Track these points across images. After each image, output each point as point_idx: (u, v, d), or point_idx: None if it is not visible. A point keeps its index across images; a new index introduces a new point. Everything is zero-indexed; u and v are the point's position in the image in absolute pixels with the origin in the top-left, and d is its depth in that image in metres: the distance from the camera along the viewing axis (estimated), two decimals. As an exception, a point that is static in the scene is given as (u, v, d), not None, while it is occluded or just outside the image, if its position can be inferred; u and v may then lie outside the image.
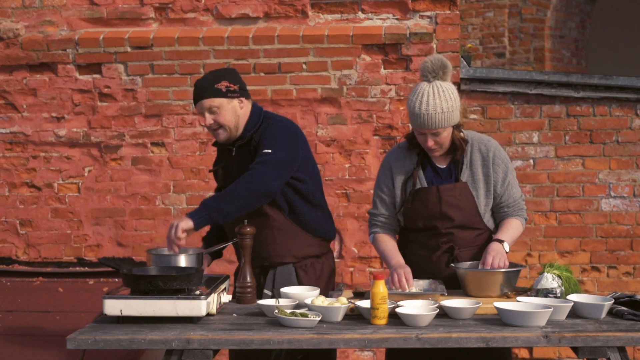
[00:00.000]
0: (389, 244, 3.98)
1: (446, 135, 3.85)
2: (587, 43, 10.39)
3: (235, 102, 4.01)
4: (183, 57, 5.91)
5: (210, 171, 4.23)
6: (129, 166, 5.99)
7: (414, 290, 3.72)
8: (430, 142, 3.83)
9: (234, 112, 3.99)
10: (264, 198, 3.86)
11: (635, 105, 5.98)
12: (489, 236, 4.03)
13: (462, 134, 3.92)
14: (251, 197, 3.80)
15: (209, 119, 3.96)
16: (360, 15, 5.93)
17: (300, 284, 3.99)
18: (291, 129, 4.04)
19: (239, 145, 4.03)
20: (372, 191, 5.55)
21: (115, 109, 5.97)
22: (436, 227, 3.92)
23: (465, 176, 3.93)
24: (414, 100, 3.79)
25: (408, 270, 3.77)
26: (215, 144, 4.17)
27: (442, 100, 3.77)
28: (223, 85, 3.99)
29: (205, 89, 3.98)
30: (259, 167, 3.84)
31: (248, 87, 5.84)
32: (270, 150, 3.88)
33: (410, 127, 4.05)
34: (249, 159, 3.97)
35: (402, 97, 5.82)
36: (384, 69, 5.83)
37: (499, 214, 4.00)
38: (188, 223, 3.72)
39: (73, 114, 6.00)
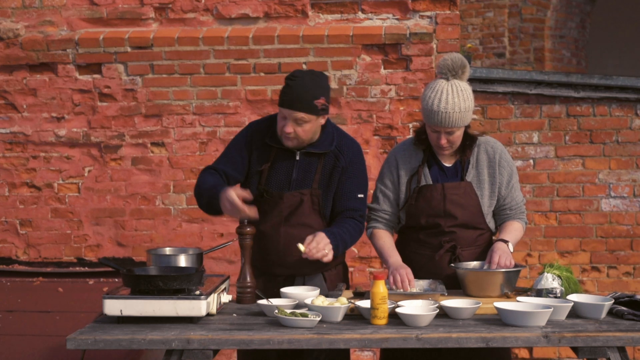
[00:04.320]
0: (387, 240, 3.98)
1: (459, 135, 3.86)
2: (587, 43, 10.40)
3: (321, 119, 3.86)
4: (183, 57, 5.91)
5: (259, 172, 3.94)
6: (129, 166, 5.99)
7: (414, 290, 3.73)
8: (443, 141, 3.83)
9: (316, 128, 3.86)
10: None
11: (635, 105, 5.98)
12: (490, 237, 4.04)
13: (474, 133, 3.95)
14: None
15: (291, 128, 3.78)
16: (360, 15, 5.93)
17: (327, 287, 3.97)
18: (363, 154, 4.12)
19: (305, 152, 3.90)
20: (372, 190, 5.55)
21: (115, 109, 5.97)
22: (439, 225, 3.92)
23: (470, 176, 3.94)
24: (432, 97, 3.79)
25: (409, 270, 3.77)
26: (246, 134, 3.96)
27: (461, 99, 3.77)
28: (320, 102, 3.79)
29: (303, 100, 3.76)
30: (362, 220, 3.96)
31: (248, 87, 5.90)
32: (362, 195, 3.97)
33: (419, 125, 4.06)
34: (313, 170, 3.89)
35: (402, 97, 5.82)
36: (384, 69, 5.83)
37: (501, 216, 4.01)
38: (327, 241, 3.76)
39: (73, 114, 6.00)
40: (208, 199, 3.81)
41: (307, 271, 3.94)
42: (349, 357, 4.03)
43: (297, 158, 3.90)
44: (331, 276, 4.03)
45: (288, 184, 3.91)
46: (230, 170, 3.92)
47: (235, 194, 3.66)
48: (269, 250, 3.91)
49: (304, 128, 3.81)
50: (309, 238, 3.73)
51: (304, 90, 3.77)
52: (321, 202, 3.93)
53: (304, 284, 3.93)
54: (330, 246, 3.74)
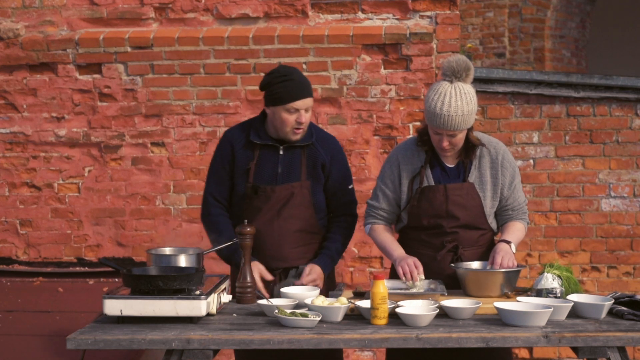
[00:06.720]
0: (387, 235, 4.01)
1: (461, 137, 3.85)
2: (587, 43, 10.40)
3: None
4: (183, 57, 5.91)
5: (246, 170, 4.08)
6: (129, 166, 5.99)
7: (422, 276, 3.75)
8: (445, 143, 3.83)
9: None
10: None
11: (635, 105, 5.98)
12: (492, 237, 4.04)
13: (476, 136, 3.94)
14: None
15: (304, 117, 3.98)
16: (360, 15, 5.93)
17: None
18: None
19: (287, 146, 4.05)
20: (372, 191, 5.55)
21: (115, 109, 5.97)
22: (441, 226, 3.92)
23: (473, 177, 3.93)
24: (435, 99, 3.78)
25: (416, 259, 3.81)
26: (223, 141, 4.15)
27: (464, 102, 3.76)
28: None
29: (308, 87, 4.00)
30: (355, 210, 4.21)
31: (248, 87, 5.91)
32: (351, 186, 4.19)
33: (421, 125, 4.07)
34: (298, 163, 4.04)
35: (402, 97, 5.82)
36: (384, 69, 5.83)
37: (503, 217, 4.01)
38: (321, 275, 4.04)
39: (73, 114, 6.00)
40: (227, 258, 4.10)
41: (300, 262, 4.08)
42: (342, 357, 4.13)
43: (281, 152, 4.04)
44: None
45: (274, 178, 4.03)
46: (226, 191, 4.14)
47: (258, 275, 3.93)
48: (265, 245, 4.03)
49: (309, 115, 4.01)
50: (307, 271, 4.00)
51: (304, 79, 4.01)
52: (311, 194, 4.07)
53: (295, 275, 4.07)
54: (322, 277, 4.03)
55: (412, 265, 3.76)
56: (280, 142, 4.03)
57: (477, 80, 5.94)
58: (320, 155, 4.08)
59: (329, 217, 4.19)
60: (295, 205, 4.03)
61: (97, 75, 5.97)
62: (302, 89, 3.95)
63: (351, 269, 5.90)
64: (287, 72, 3.98)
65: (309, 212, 4.07)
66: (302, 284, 3.94)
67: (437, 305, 3.43)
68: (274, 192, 4.01)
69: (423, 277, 3.76)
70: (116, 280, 5.37)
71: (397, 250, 3.92)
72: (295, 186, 4.03)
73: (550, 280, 3.67)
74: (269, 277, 3.97)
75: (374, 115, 5.85)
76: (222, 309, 3.66)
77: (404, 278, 3.76)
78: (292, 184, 4.03)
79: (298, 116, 3.94)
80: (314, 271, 3.99)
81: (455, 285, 3.85)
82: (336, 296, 3.65)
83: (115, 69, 5.95)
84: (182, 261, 3.76)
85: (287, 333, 3.24)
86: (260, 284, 3.91)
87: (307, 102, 3.97)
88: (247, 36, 5.87)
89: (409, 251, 3.99)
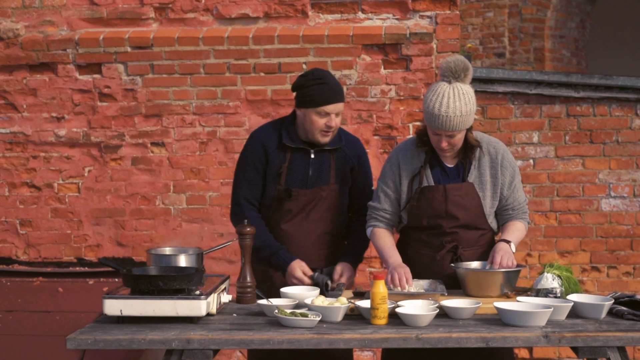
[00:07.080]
0: (387, 240, 3.99)
1: (460, 137, 3.85)
2: (587, 43, 10.40)
3: None
4: (183, 57, 5.91)
5: (278, 173, 4.10)
6: (129, 166, 5.99)
7: (413, 289, 3.73)
8: (444, 144, 3.83)
9: None
10: None
11: (635, 105, 5.98)
12: (492, 236, 4.04)
13: (474, 136, 3.94)
14: None
15: (336, 121, 4.02)
16: (360, 15, 5.93)
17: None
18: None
19: (318, 150, 4.08)
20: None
21: (115, 109, 5.98)
22: (441, 226, 3.92)
23: (472, 177, 3.93)
24: (433, 100, 3.78)
25: (407, 269, 3.78)
26: (253, 142, 4.13)
27: (462, 103, 3.76)
28: None
29: (341, 92, 4.04)
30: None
31: (248, 87, 5.91)
32: (374, 188, 4.17)
33: (420, 125, 4.08)
34: (327, 167, 4.09)
35: (402, 97, 5.82)
36: (384, 69, 5.83)
37: (503, 216, 4.01)
38: (354, 273, 4.14)
39: (73, 114, 6.00)
40: (268, 258, 4.06)
41: (322, 264, 4.12)
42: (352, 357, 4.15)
43: (312, 156, 4.08)
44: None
45: (305, 182, 4.08)
46: (258, 193, 4.13)
47: (301, 272, 3.99)
48: (292, 247, 4.08)
49: (339, 119, 4.05)
50: (338, 270, 4.05)
51: (337, 83, 4.05)
52: (339, 198, 4.14)
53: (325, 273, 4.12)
54: (354, 275, 4.14)
55: (402, 274, 3.76)
56: (311, 145, 4.08)
57: (477, 80, 5.94)
58: (349, 159, 4.15)
59: (350, 218, 4.25)
60: (324, 208, 4.11)
61: (97, 75, 5.98)
62: (334, 93, 4.00)
63: (351, 269, 5.90)
64: (321, 75, 4.02)
65: (336, 215, 4.15)
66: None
67: (437, 305, 3.43)
68: (305, 195, 4.07)
69: (412, 290, 3.76)
70: (116, 280, 5.37)
71: (393, 257, 3.91)
72: (324, 189, 4.10)
73: (550, 280, 3.67)
74: (309, 272, 4.01)
75: (374, 115, 5.85)
76: (222, 309, 3.66)
77: (391, 285, 3.73)
78: (321, 187, 4.09)
79: (328, 120, 3.99)
80: (346, 269, 4.07)
81: (455, 285, 3.85)
82: (336, 296, 3.65)
83: (115, 69, 5.95)
84: (182, 261, 3.76)
85: (287, 333, 3.24)
86: (307, 280, 3.97)
87: (339, 106, 4.01)
88: (247, 36, 5.87)
89: (409, 251, 3.99)
